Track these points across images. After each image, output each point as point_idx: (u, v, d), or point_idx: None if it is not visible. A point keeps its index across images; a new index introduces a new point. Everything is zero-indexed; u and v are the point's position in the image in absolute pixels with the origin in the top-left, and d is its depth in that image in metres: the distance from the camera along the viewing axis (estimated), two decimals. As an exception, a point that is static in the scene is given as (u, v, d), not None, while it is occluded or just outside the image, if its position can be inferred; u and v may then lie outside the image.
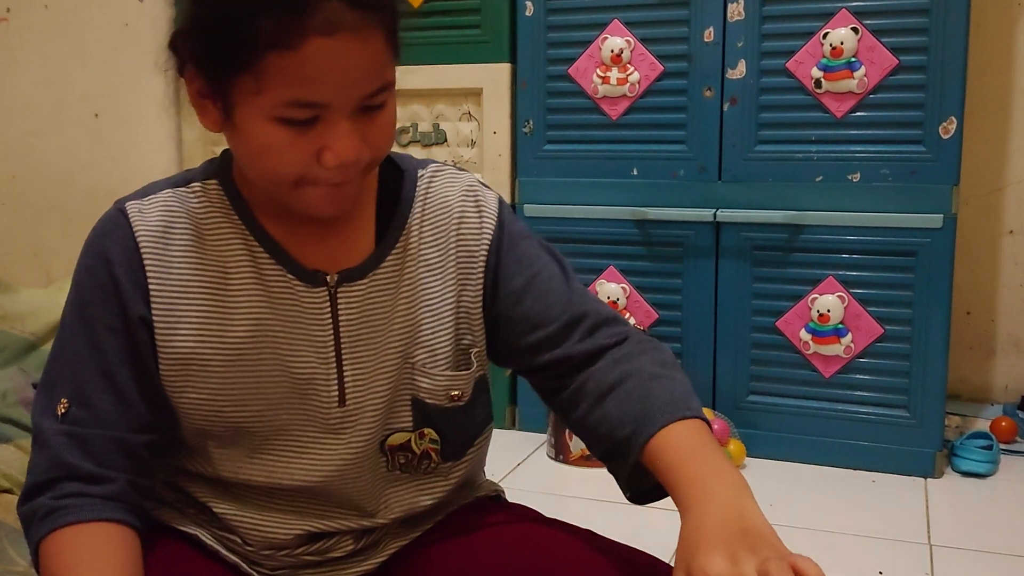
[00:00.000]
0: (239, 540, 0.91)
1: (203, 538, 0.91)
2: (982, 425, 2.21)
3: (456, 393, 0.91)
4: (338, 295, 0.87)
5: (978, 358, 2.43)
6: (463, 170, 0.96)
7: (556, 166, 2.22)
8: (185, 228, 0.85)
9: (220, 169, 0.88)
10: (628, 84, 2.13)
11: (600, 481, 1.99)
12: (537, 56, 2.20)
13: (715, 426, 2.03)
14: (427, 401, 0.91)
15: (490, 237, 0.92)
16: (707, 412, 2.06)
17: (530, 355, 0.92)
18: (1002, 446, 2.10)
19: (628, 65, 2.13)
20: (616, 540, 0.92)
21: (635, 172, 2.15)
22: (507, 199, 2.27)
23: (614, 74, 2.13)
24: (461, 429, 0.94)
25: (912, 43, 1.92)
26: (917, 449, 1.99)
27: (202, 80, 0.80)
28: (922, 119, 1.93)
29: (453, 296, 0.91)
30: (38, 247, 2.40)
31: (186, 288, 0.85)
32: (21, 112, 2.34)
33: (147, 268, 0.84)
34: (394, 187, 0.92)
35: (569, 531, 0.93)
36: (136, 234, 0.84)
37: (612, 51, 2.12)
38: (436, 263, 0.91)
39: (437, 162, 0.96)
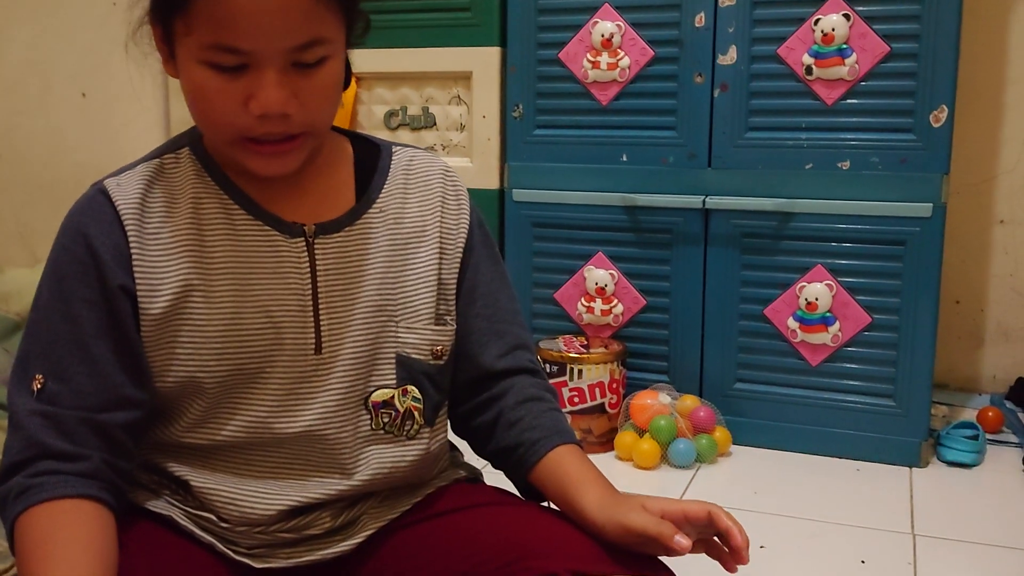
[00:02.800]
0: (214, 518, 0.91)
1: (176, 519, 0.91)
2: (969, 415, 2.21)
3: (439, 348, 0.96)
4: (315, 245, 0.91)
5: (966, 348, 2.43)
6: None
7: (545, 151, 2.20)
8: (161, 195, 0.89)
9: (191, 138, 0.93)
10: (618, 69, 2.12)
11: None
12: (527, 40, 2.18)
13: (701, 413, 2.03)
14: (412, 356, 0.94)
15: (467, 224, 1.00)
16: (693, 399, 2.06)
17: (460, 345, 1.00)
18: (988, 436, 2.10)
19: (618, 50, 2.11)
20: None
21: (624, 158, 2.14)
22: (496, 184, 2.27)
23: (604, 59, 2.12)
24: (438, 390, 0.98)
25: (904, 30, 1.91)
26: (903, 438, 1.99)
27: (157, 29, 0.85)
28: (913, 107, 1.92)
29: (436, 263, 0.97)
30: (24, 227, 2.38)
31: (167, 251, 0.87)
32: (8, 91, 2.32)
33: (129, 236, 0.86)
34: (371, 158, 0.98)
35: (546, 512, 0.95)
36: (116, 205, 0.86)
37: (602, 36, 2.11)
38: (420, 229, 0.97)
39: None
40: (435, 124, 2.33)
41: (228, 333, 0.88)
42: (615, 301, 2.18)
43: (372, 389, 0.93)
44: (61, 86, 2.45)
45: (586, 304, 2.20)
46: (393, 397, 0.94)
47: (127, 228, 0.86)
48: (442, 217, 0.98)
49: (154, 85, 2.71)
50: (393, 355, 0.94)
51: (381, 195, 0.95)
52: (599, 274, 2.18)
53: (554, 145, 2.20)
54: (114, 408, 0.85)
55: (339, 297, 0.92)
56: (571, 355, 2.06)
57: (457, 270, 0.99)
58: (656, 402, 2.02)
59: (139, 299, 0.86)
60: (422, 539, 0.95)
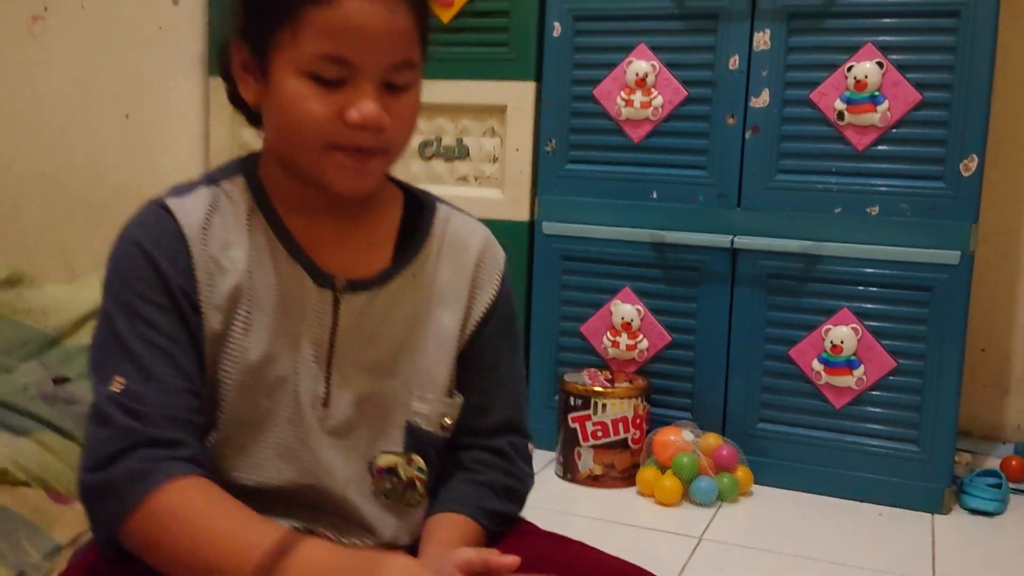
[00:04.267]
0: None
1: None
2: (992, 463, 2.21)
3: (448, 422, 0.96)
4: (342, 300, 0.91)
5: (991, 396, 2.42)
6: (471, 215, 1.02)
7: (577, 185, 2.24)
8: (220, 222, 0.90)
9: (246, 166, 0.94)
10: (651, 108, 2.15)
11: (607, 501, 2.00)
12: (562, 76, 2.22)
13: (724, 451, 2.04)
14: (422, 427, 0.94)
15: (494, 295, 0.98)
16: (716, 437, 2.07)
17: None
18: (1012, 485, 2.09)
19: (652, 89, 2.14)
20: (613, 555, 0.93)
21: (655, 195, 2.17)
22: (526, 216, 2.30)
23: (638, 97, 2.15)
24: (440, 460, 0.98)
25: (936, 80, 1.93)
26: (926, 484, 1.98)
27: (245, 49, 0.87)
28: (943, 155, 1.94)
29: (456, 334, 0.97)
30: (64, 243, 2.43)
31: (223, 276, 0.88)
32: (54, 110, 2.38)
33: (192, 256, 0.87)
34: (414, 215, 0.97)
35: (567, 543, 0.96)
36: (181, 225, 0.87)
37: (637, 74, 2.14)
38: (448, 296, 0.96)
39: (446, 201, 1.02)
40: (468, 155, 2.37)
41: (259, 367, 0.89)
42: (641, 336, 2.20)
43: (377, 453, 0.93)
44: (105, 107, 2.51)
45: (612, 338, 2.22)
46: (398, 465, 0.94)
47: (191, 248, 0.87)
48: (472, 286, 0.97)
49: (195, 109, 2.77)
50: (403, 422, 0.94)
51: (418, 258, 0.95)
52: (626, 309, 2.20)
53: (585, 180, 2.23)
54: (194, 411, 0.85)
55: (353, 355, 0.92)
56: (596, 389, 2.08)
57: (469, 337, 0.97)
58: (679, 439, 2.03)
59: (202, 312, 0.87)
60: None
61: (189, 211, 0.88)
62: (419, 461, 0.95)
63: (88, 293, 2.20)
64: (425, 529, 0.94)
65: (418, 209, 0.98)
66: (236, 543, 0.77)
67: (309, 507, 0.92)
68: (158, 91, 2.68)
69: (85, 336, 2.11)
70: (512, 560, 0.83)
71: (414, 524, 0.96)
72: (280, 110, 0.86)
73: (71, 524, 1.61)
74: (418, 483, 0.95)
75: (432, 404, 0.95)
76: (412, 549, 0.96)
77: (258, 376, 0.89)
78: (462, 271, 0.97)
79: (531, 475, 1.02)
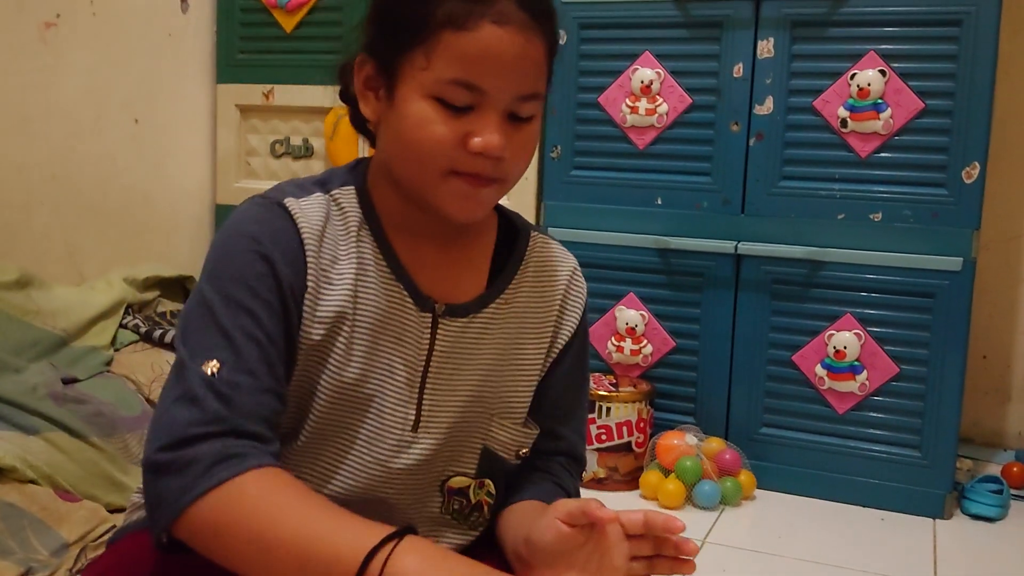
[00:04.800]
0: None
1: None
2: (994, 470, 2.21)
3: (524, 452, 0.97)
4: (439, 325, 0.91)
5: (993, 403, 2.43)
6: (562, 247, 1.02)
7: (582, 192, 2.25)
8: (334, 232, 0.89)
9: (356, 178, 0.92)
10: (656, 115, 2.17)
11: (610, 504, 2.00)
12: (568, 83, 2.24)
13: (727, 456, 2.05)
14: (498, 453, 0.95)
15: (575, 326, 0.98)
16: (719, 442, 2.08)
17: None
18: (1013, 491, 2.10)
19: (657, 96, 2.16)
20: None
21: (659, 202, 2.19)
22: (531, 221, 2.31)
23: (643, 104, 2.17)
24: (505, 488, 0.98)
25: (939, 88, 1.95)
26: (927, 490, 1.99)
27: (372, 65, 0.87)
28: (946, 163, 1.95)
29: (540, 363, 0.97)
30: (73, 247, 2.45)
31: (332, 287, 0.87)
32: (64, 115, 2.40)
33: (308, 262, 0.86)
34: (509, 240, 0.97)
35: None
36: (301, 231, 0.86)
37: (642, 82, 2.16)
38: (536, 326, 0.96)
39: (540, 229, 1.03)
40: (474, 162, 2.38)
41: (353, 386, 0.88)
42: (645, 342, 2.21)
43: (451, 474, 0.94)
44: (115, 112, 2.53)
45: (616, 343, 2.23)
46: (469, 487, 0.95)
47: (308, 255, 0.86)
48: (557, 317, 0.97)
49: (203, 115, 2.79)
50: (480, 446, 0.94)
51: (511, 285, 0.95)
52: (630, 314, 2.21)
53: (590, 186, 2.25)
54: (278, 413, 0.85)
55: (446, 381, 0.92)
56: (600, 393, 2.09)
57: (550, 368, 0.98)
58: (682, 443, 2.05)
59: (304, 321, 0.86)
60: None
61: (310, 218, 0.87)
62: (490, 486, 0.96)
63: (96, 296, 2.22)
64: (505, 519, 0.94)
65: (512, 234, 0.98)
66: (335, 540, 0.73)
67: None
68: (167, 97, 2.70)
69: (93, 338, 2.12)
70: (611, 514, 0.80)
71: (468, 543, 0.97)
72: (403, 130, 0.84)
73: (79, 522, 1.62)
74: (485, 507, 0.96)
75: (510, 432, 0.95)
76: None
77: (351, 394, 0.88)
78: (549, 301, 0.97)
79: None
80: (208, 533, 0.76)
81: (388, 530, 0.74)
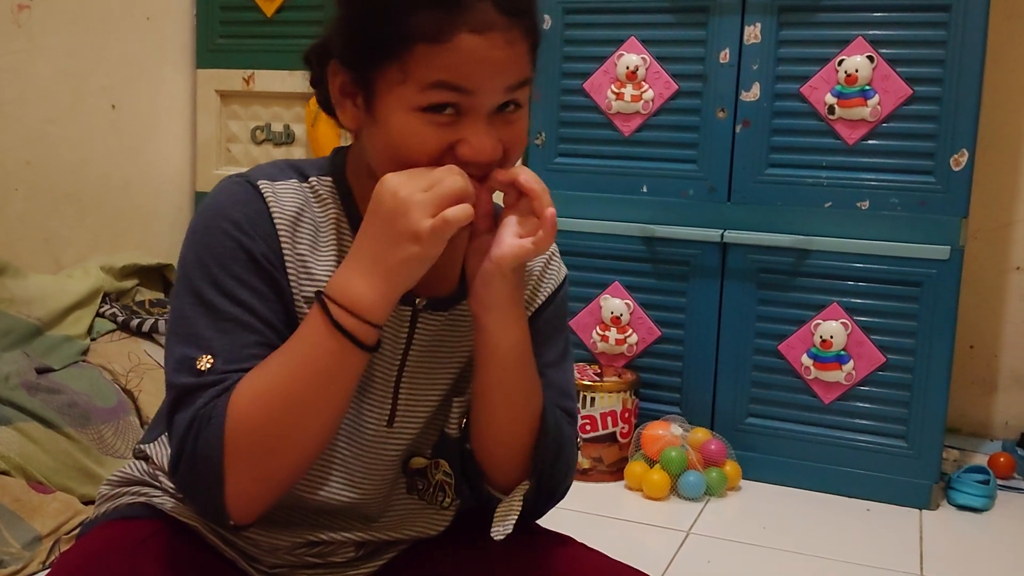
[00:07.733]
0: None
1: (203, 531, 0.90)
2: (980, 460, 2.21)
3: (465, 422, 0.93)
4: (419, 318, 0.89)
5: (979, 393, 2.42)
6: None
7: (566, 179, 2.23)
8: (310, 222, 0.87)
9: (334, 169, 0.90)
10: (642, 101, 2.14)
11: (595, 495, 1.99)
12: (552, 69, 2.21)
13: (712, 446, 2.03)
14: (452, 433, 0.93)
15: (543, 300, 0.96)
16: (705, 432, 2.06)
17: None
18: (999, 482, 2.09)
19: (643, 83, 2.14)
20: (607, 554, 0.93)
21: (645, 189, 2.16)
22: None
23: (628, 91, 2.15)
24: (460, 468, 0.95)
25: (927, 74, 1.93)
26: (914, 480, 1.98)
27: (346, 76, 0.83)
28: (934, 150, 1.94)
29: None
30: (49, 234, 2.40)
31: (309, 279, 0.86)
32: (39, 99, 2.35)
33: (283, 246, 0.84)
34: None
35: (567, 544, 0.95)
36: (273, 215, 0.84)
37: (627, 68, 2.14)
38: None
39: None
40: (458, 149, 2.35)
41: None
42: (630, 331, 2.19)
43: (412, 455, 0.94)
44: (92, 97, 2.48)
45: (601, 333, 2.21)
46: (426, 468, 0.94)
47: (281, 238, 0.84)
48: (530, 299, 0.95)
49: (182, 100, 2.75)
50: (439, 429, 0.93)
51: None
52: (615, 303, 2.19)
53: (575, 174, 2.22)
54: None
55: (422, 375, 0.91)
56: (584, 383, 2.07)
57: None
58: (668, 433, 2.03)
59: (295, 305, 0.85)
60: (446, 559, 0.95)
61: (284, 204, 0.85)
62: (445, 466, 0.94)
63: (73, 284, 2.18)
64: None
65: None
66: (307, 343, 0.78)
67: (363, 518, 0.93)
68: (145, 82, 2.65)
69: (69, 327, 2.09)
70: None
71: (446, 523, 0.96)
72: (388, 143, 0.81)
73: (52, 514, 1.59)
74: (447, 487, 0.94)
75: (462, 407, 0.92)
76: (439, 540, 0.96)
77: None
78: (525, 285, 0.94)
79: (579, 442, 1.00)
80: (256, 453, 0.78)
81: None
